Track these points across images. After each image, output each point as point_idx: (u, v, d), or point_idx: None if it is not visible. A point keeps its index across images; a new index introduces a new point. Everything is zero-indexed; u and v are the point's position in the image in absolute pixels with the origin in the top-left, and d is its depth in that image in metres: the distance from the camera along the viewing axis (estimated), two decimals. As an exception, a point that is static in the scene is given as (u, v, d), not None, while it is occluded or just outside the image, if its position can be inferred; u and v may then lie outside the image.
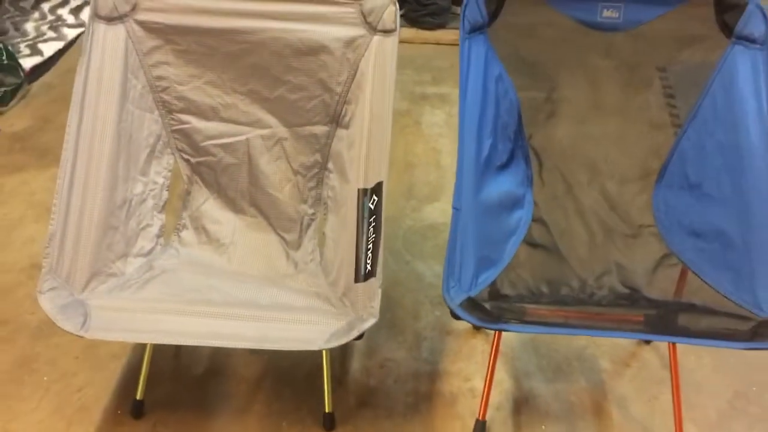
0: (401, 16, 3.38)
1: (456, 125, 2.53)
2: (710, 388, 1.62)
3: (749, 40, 1.37)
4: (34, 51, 2.85)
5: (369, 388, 1.61)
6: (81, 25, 3.09)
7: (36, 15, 3.13)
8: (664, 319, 1.39)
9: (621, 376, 1.64)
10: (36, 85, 2.76)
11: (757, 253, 1.27)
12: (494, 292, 1.38)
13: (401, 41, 3.26)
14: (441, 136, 2.54)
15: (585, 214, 1.51)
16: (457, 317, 1.21)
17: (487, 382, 1.48)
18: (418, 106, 2.69)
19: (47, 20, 3.10)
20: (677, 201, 1.45)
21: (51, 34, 3.00)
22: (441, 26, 3.15)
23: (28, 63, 2.77)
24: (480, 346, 1.70)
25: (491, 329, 1.43)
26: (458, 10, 3.26)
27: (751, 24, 1.37)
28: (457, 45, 3.36)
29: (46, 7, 3.19)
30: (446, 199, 2.22)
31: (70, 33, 3.02)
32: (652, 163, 1.50)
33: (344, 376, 1.64)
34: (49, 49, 2.89)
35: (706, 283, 1.34)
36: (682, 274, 1.42)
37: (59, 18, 3.12)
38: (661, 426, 1.52)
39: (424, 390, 1.61)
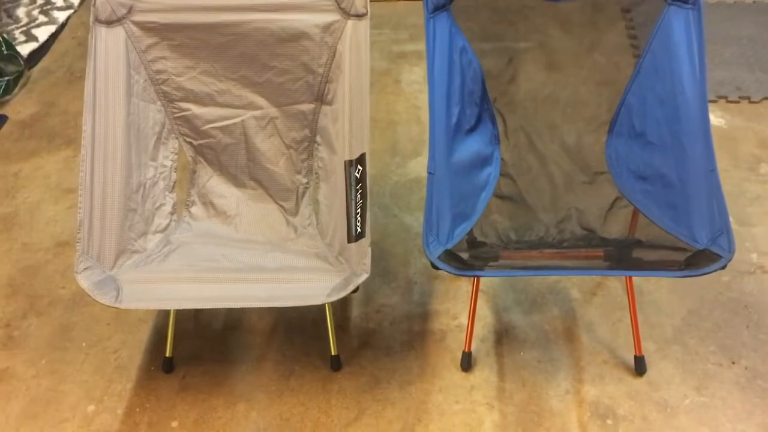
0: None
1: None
2: (667, 308, 1.84)
3: (682, 0, 1.54)
4: (30, 37, 2.98)
5: (368, 330, 1.83)
6: (70, 6, 3.21)
7: (26, 0, 3.24)
8: (619, 255, 1.59)
9: (589, 303, 1.86)
10: (35, 71, 2.90)
11: (692, 191, 1.46)
12: (470, 242, 1.58)
13: (379, 0, 3.37)
14: (421, 92, 2.70)
15: (547, 165, 1.70)
16: (436, 268, 1.41)
17: (470, 318, 1.71)
18: (397, 64, 2.84)
19: (37, 4, 3.21)
20: (626, 149, 1.64)
21: (42, 18, 3.11)
22: (415, -18, 3.26)
23: (25, 50, 2.90)
24: (464, 287, 1.92)
25: (467, 276, 1.63)
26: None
27: (683, -15, 1.53)
28: (432, 0, 3.42)
29: (34, -9, 3.29)
30: (428, 153, 2.41)
31: (61, 16, 3.14)
32: (603, 116, 1.68)
33: (346, 322, 1.85)
34: (43, 33, 3.02)
35: (651, 221, 1.53)
36: (634, 214, 1.62)
37: (48, 1, 3.23)
38: (624, 345, 1.74)
39: (417, 329, 1.83)
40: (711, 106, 2.50)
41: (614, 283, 1.91)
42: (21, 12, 3.15)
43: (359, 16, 1.59)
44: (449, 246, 1.46)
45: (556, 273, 1.76)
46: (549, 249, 1.60)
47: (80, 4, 3.31)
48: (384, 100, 2.66)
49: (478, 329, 1.80)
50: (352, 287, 1.43)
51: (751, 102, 2.52)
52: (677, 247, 1.45)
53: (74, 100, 2.72)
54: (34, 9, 3.17)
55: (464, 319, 1.83)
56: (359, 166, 1.53)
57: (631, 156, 1.63)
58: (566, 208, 1.66)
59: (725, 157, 2.29)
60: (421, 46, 2.98)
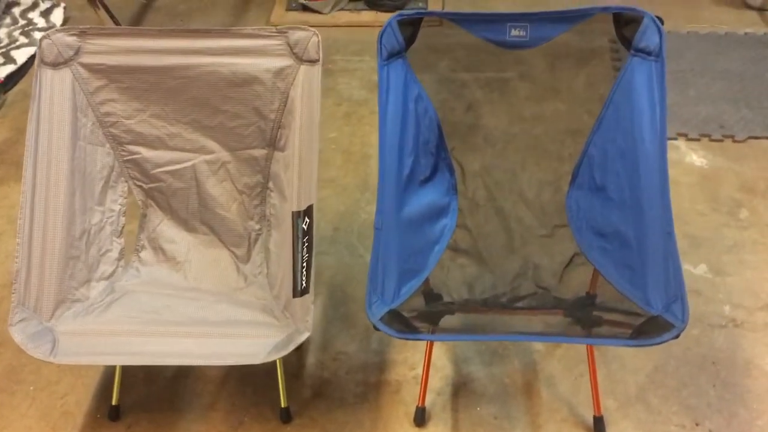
0: (361, -1, 3.37)
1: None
2: (632, 363, 1.77)
3: (645, 52, 1.47)
4: (8, 59, 2.95)
5: (323, 380, 1.78)
6: (52, 27, 3.18)
7: (7, 20, 3.22)
8: (575, 316, 1.53)
9: (552, 356, 1.80)
10: (11, 94, 2.87)
11: (649, 254, 1.40)
12: (424, 298, 1.53)
13: (361, 25, 3.34)
14: (398, 123, 2.65)
15: (506, 217, 1.64)
16: (378, 329, 1.36)
17: (425, 372, 1.65)
18: (376, 94, 2.78)
19: (19, 25, 3.19)
20: (586, 202, 1.58)
21: (23, 39, 3.09)
22: (400, 8, 3.21)
23: (2, 72, 2.87)
24: (424, 335, 1.86)
25: (409, 340, 1.57)
26: (417, -10, 3.33)
27: (646, 37, 1.47)
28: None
29: (16, 11, 3.27)
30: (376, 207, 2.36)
31: (41, 38, 3.10)
32: (565, 167, 1.62)
33: (301, 369, 1.80)
34: (21, 56, 2.98)
35: (608, 281, 1.48)
36: (595, 271, 1.56)
37: (30, 22, 3.20)
38: (584, 402, 1.68)
39: (372, 380, 1.77)
40: (693, 145, 2.44)
41: (579, 335, 1.85)
42: (1, 32, 3.13)
43: (312, 61, 1.54)
44: (394, 305, 1.41)
45: (506, 338, 1.70)
46: (503, 307, 1.54)
47: (62, 24, 3.29)
48: (359, 131, 2.61)
49: (435, 381, 1.75)
50: (293, 346, 1.38)
51: (734, 141, 2.45)
52: (631, 312, 1.39)
53: (48, 126, 2.68)
54: (15, 30, 3.15)
55: (422, 370, 1.77)
56: (306, 218, 1.48)
57: (591, 210, 1.57)
58: (522, 263, 1.60)
59: (705, 200, 2.23)
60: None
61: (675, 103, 2.58)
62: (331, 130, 2.58)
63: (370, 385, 1.76)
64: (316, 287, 1.87)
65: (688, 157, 2.39)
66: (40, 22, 3.22)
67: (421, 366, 1.78)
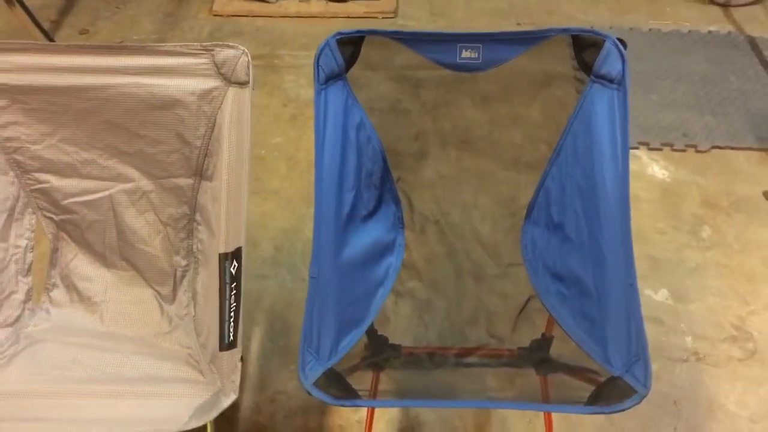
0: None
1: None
2: (590, 403, 1.67)
3: (607, 79, 1.34)
4: None
5: (259, 425, 1.64)
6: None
7: None
8: (530, 362, 1.42)
9: (505, 395, 1.69)
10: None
11: (609, 305, 1.28)
12: (368, 339, 1.39)
13: (310, 17, 3.15)
14: (347, 128, 2.49)
15: (456, 254, 1.51)
16: (312, 395, 1.22)
17: (368, 420, 1.52)
18: (326, 94, 2.62)
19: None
20: (543, 241, 1.46)
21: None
22: (351, -1, 3.04)
23: None
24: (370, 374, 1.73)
25: (346, 406, 1.44)
26: (369, -21, 3.14)
27: (608, 63, 1.33)
28: (368, 18, 3.24)
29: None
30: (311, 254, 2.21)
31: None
32: (521, 200, 1.49)
33: (234, 413, 1.66)
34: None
35: (565, 332, 1.36)
36: (549, 318, 1.44)
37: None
38: (538, 449, 1.58)
39: (313, 425, 1.64)
40: (655, 155, 2.34)
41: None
42: None
43: (241, 83, 1.37)
44: (331, 363, 1.27)
45: (451, 405, 1.58)
46: (451, 365, 1.42)
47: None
48: (306, 136, 2.45)
49: (381, 425, 1.63)
50: (215, 412, 1.23)
51: (697, 151, 2.35)
52: (590, 369, 1.28)
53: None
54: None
55: (365, 414, 1.64)
56: (235, 262, 1.33)
57: (548, 249, 1.44)
58: (474, 308, 1.47)
59: (666, 217, 2.13)
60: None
61: (637, 108, 2.47)
62: (275, 135, 2.41)
63: (310, 430, 1.63)
64: (255, 315, 1.73)
65: (649, 169, 2.29)
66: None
67: (366, 408, 1.65)
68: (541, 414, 1.61)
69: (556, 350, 1.42)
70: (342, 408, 1.66)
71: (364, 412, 1.64)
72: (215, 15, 3.05)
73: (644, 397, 1.18)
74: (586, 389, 1.26)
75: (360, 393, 1.33)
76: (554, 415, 1.58)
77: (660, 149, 2.35)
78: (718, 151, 2.35)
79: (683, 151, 2.35)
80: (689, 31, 2.91)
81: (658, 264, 1.98)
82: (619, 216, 1.29)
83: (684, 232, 2.09)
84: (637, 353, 1.23)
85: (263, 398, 1.69)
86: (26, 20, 2.69)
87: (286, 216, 2.14)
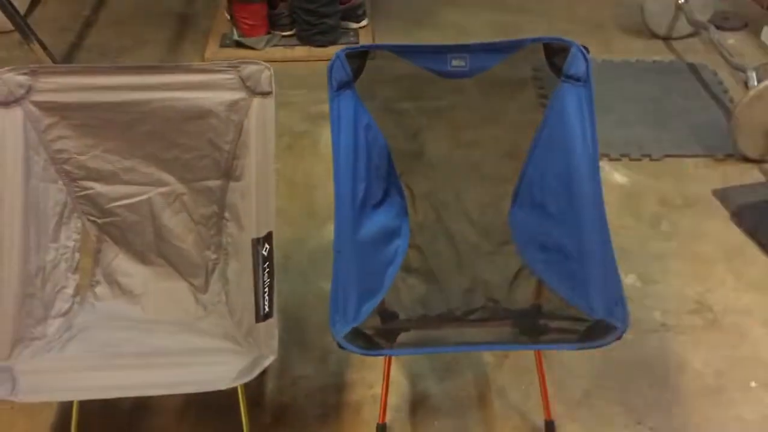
0: (293, 36, 3.52)
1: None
2: (576, 369, 1.88)
3: (574, 78, 1.60)
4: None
5: (283, 405, 1.81)
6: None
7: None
8: (525, 325, 1.63)
9: (501, 367, 1.89)
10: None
11: (588, 263, 1.51)
12: (380, 317, 1.59)
13: (295, 60, 3.41)
14: (338, 154, 2.72)
15: (453, 236, 1.73)
16: (342, 348, 1.41)
17: (384, 390, 1.71)
18: (316, 125, 2.86)
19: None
20: (529, 219, 1.69)
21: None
22: (332, 43, 3.32)
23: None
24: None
25: (372, 356, 1.64)
26: (348, 25, 3.44)
27: (575, 65, 1.60)
28: (349, 60, 3.46)
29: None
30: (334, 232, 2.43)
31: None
32: (507, 186, 1.73)
33: (260, 397, 1.83)
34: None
35: (552, 291, 1.58)
36: (539, 283, 1.66)
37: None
38: (534, 409, 1.78)
39: (332, 401, 1.82)
40: (615, 165, 2.62)
41: (525, 346, 1.95)
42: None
43: (264, 94, 1.60)
44: (356, 323, 1.47)
45: (460, 349, 1.79)
46: (456, 321, 1.62)
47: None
48: (302, 162, 2.68)
49: (393, 399, 1.81)
50: (258, 370, 1.41)
51: (652, 160, 2.64)
52: (576, 318, 1.49)
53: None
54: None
55: (380, 389, 1.82)
56: (266, 244, 1.53)
57: (533, 226, 1.67)
58: (472, 279, 1.69)
59: (628, 215, 2.39)
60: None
61: (598, 126, 2.75)
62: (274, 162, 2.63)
63: (330, 406, 1.81)
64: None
65: (611, 176, 2.56)
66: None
67: (379, 385, 1.83)
68: (535, 380, 1.82)
69: (545, 311, 1.63)
70: (358, 384, 1.84)
71: (377, 387, 1.83)
72: (207, 62, 3.29)
73: (624, 332, 1.40)
74: (573, 340, 1.47)
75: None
76: (548, 376, 1.79)
77: (619, 159, 2.64)
78: (669, 159, 2.65)
79: (639, 160, 2.64)
80: (636, 61, 3.25)
81: (625, 253, 2.22)
82: (592, 190, 1.54)
83: (646, 226, 2.35)
84: (615, 298, 1.45)
85: (285, 382, 1.86)
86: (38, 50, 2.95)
87: (292, 230, 2.34)
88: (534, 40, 1.60)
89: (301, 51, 3.34)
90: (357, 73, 1.61)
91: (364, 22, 3.49)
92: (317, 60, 3.29)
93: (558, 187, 1.60)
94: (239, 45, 3.34)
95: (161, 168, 1.68)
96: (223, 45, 3.36)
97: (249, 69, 1.60)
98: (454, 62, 1.64)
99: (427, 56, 1.61)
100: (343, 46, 1.66)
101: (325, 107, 3.03)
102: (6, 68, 1.54)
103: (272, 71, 1.61)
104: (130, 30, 3.55)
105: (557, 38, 1.60)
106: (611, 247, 1.50)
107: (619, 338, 1.40)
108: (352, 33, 3.44)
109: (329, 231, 2.39)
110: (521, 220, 1.71)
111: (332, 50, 3.43)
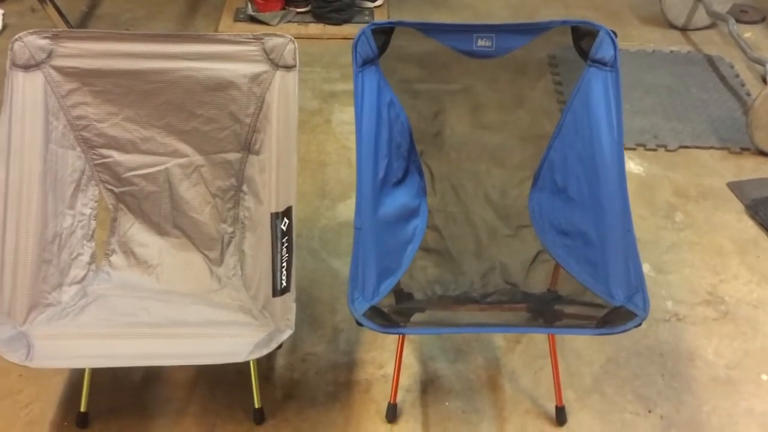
0: (307, 12, 3.49)
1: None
2: (587, 356, 1.88)
3: (602, 63, 1.59)
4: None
5: (293, 381, 1.80)
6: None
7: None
8: (540, 310, 1.62)
9: (512, 352, 1.89)
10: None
11: (610, 251, 1.50)
12: (397, 294, 1.59)
13: (309, 38, 3.38)
14: (351, 133, 2.70)
15: (472, 218, 1.72)
16: (361, 325, 1.41)
17: (396, 370, 1.71)
18: (328, 104, 2.85)
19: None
20: (548, 203, 1.68)
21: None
22: (347, 21, 3.28)
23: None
24: (390, 335, 1.91)
25: (391, 333, 1.63)
26: (363, 4, 3.41)
27: (602, 49, 1.58)
28: (363, 39, 3.45)
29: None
30: (355, 208, 2.41)
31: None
32: (527, 170, 1.72)
33: (270, 372, 1.82)
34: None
35: (571, 275, 1.57)
36: (557, 268, 1.66)
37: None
38: (545, 395, 1.77)
39: (342, 379, 1.81)
40: (630, 154, 2.60)
41: (537, 331, 1.94)
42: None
43: (288, 67, 1.59)
44: (375, 302, 1.46)
45: (479, 330, 1.79)
46: (473, 303, 1.61)
47: (1, 32, 3.21)
48: (315, 140, 2.66)
49: (404, 379, 1.80)
50: (275, 344, 1.41)
51: (667, 150, 2.63)
52: (595, 304, 1.49)
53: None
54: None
55: (390, 369, 1.82)
56: (285, 219, 1.52)
57: (553, 211, 1.67)
58: (490, 261, 1.68)
59: (643, 205, 2.38)
60: (353, 86, 3.02)
61: (612, 115, 2.74)
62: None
63: (340, 384, 1.80)
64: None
65: (626, 165, 2.53)
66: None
67: (389, 365, 1.83)
68: (547, 366, 1.82)
69: (563, 296, 1.62)
70: (368, 364, 1.84)
71: (388, 367, 1.82)
72: (220, 36, 3.26)
73: (644, 319, 1.40)
74: (592, 325, 1.47)
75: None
76: (560, 363, 1.78)
77: (634, 149, 2.62)
78: (684, 150, 2.63)
79: (655, 150, 2.62)
80: (653, 51, 3.23)
81: (639, 243, 2.16)
82: (616, 175, 1.53)
83: (660, 217, 2.34)
84: (636, 286, 1.45)
85: (295, 359, 1.86)
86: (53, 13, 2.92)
87: (302, 208, 2.33)
88: (563, 23, 1.58)
89: (315, 28, 3.31)
90: (382, 49, 1.59)
91: (379, 1, 3.46)
92: (331, 38, 3.26)
93: (581, 172, 1.59)
94: (253, 20, 3.31)
95: (180, 139, 1.67)
96: (236, 19, 3.33)
97: (273, 41, 1.58)
98: (480, 42, 1.62)
99: (453, 35, 1.59)
100: (355, 26, 1.64)
101: (338, 85, 3.03)
102: (28, 31, 1.52)
103: (296, 44, 1.59)
104: (143, 1, 3.52)
105: (585, 21, 1.58)
106: (633, 234, 1.50)
107: (638, 325, 1.40)
108: (367, 12, 3.41)
109: (340, 210, 2.41)
110: (541, 203, 1.70)
111: (347, 28, 3.42)
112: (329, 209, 2.35)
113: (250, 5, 3.31)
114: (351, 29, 3.28)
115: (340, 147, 2.64)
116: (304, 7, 3.36)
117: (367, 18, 3.37)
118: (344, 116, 2.79)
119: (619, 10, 3.57)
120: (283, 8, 3.35)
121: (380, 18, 3.40)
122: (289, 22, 3.33)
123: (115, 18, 3.37)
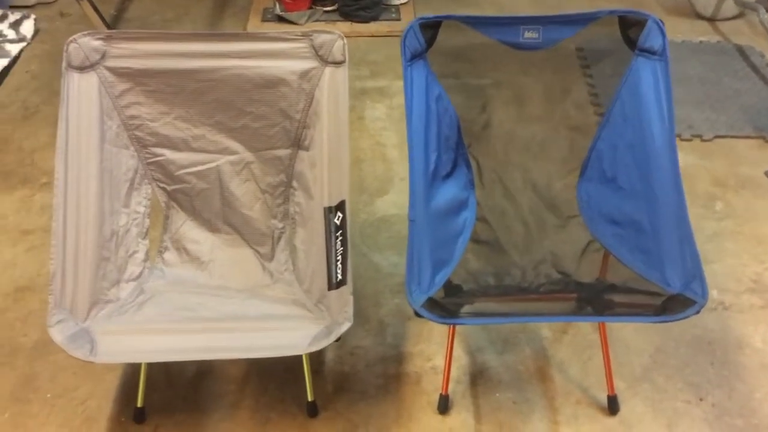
0: (334, 11, 3.51)
1: (397, 118, 2.73)
2: (635, 346, 1.88)
3: (650, 52, 1.60)
4: (-20, 70, 2.89)
5: (343, 374, 1.82)
6: (22, 39, 3.12)
7: (-23, 33, 3.14)
8: (592, 299, 1.63)
9: (560, 342, 1.90)
10: (-11, 105, 2.82)
11: (664, 237, 1.51)
12: (449, 289, 1.60)
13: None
14: (384, 129, 2.72)
15: (521, 209, 1.73)
16: (420, 316, 1.42)
17: (447, 361, 1.72)
18: (360, 101, 2.86)
19: (-12, 37, 3.12)
20: (597, 193, 1.68)
21: (-7, 50, 3.02)
22: (374, 19, 3.30)
23: (-25, 83, 2.81)
24: (437, 328, 1.92)
25: (449, 324, 1.64)
26: (389, 1, 3.42)
27: (651, 38, 1.60)
28: (391, 36, 3.53)
29: (-15, 23, 3.20)
30: (395, 191, 2.43)
31: (14, 49, 3.04)
32: (574, 161, 1.72)
33: (320, 366, 1.84)
34: (-6, 67, 2.93)
35: (623, 264, 1.58)
36: (605, 257, 1.66)
37: (0, 34, 3.14)
38: (595, 384, 1.78)
39: (391, 372, 1.83)
40: (665, 145, 2.60)
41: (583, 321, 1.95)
42: (-29, 44, 3.06)
43: (337, 63, 1.60)
44: (431, 293, 1.47)
45: (534, 319, 1.79)
46: (526, 293, 1.62)
47: (33, 36, 3.23)
48: (350, 137, 2.66)
49: (453, 371, 1.81)
50: (334, 336, 1.42)
51: (703, 140, 2.62)
52: (650, 292, 1.49)
53: (29, 137, 2.65)
54: (-15, 41, 3.08)
55: (438, 361, 1.83)
56: (339, 213, 1.53)
57: (602, 200, 1.67)
58: (541, 252, 1.69)
59: (682, 195, 2.37)
60: (383, 83, 3.03)
61: (645, 106, 2.74)
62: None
63: (390, 377, 1.81)
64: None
65: (662, 156, 2.54)
66: (10, 34, 3.15)
67: (437, 357, 1.85)
68: (596, 356, 1.82)
69: (617, 285, 1.62)
70: (416, 356, 1.85)
71: (436, 359, 1.84)
72: (249, 36, 3.28)
73: (703, 306, 1.40)
74: (650, 313, 1.47)
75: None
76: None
77: (669, 139, 2.62)
78: (720, 139, 2.63)
79: (690, 140, 2.62)
80: (682, 42, 3.22)
81: None
82: (668, 163, 1.53)
83: (699, 206, 2.33)
84: (693, 273, 1.45)
85: (344, 352, 1.87)
86: (92, 13, 2.95)
87: (341, 203, 2.34)
88: (610, 12, 1.59)
89: (342, 26, 3.32)
90: (429, 43, 1.60)
91: (405, -1, 3.47)
92: (358, 36, 3.27)
93: (631, 161, 1.59)
94: (281, 20, 3.33)
95: (230, 136, 1.69)
96: (264, 19, 3.35)
97: (322, 38, 1.60)
98: (527, 34, 1.63)
99: (500, 27, 1.60)
100: (383, 24, 1.65)
101: (368, 83, 3.04)
102: (82, 33, 1.55)
103: (345, 41, 1.60)
104: (171, 2, 3.55)
105: (633, 11, 1.59)
106: (688, 221, 1.50)
107: (698, 312, 1.40)
108: (393, 9, 3.42)
109: (378, 205, 2.42)
110: (589, 193, 1.71)
111: (373, 27, 3.44)
112: (368, 204, 2.37)
113: (277, 5, 3.33)
114: (378, 27, 3.30)
115: (375, 143, 2.65)
116: (331, 5, 3.37)
117: (393, 15, 3.38)
118: (376, 113, 2.81)
119: (644, 0, 3.56)
120: (311, 7, 3.37)
121: (406, 16, 3.40)
122: (316, 20, 3.35)
123: (144, 20, 3.40)
